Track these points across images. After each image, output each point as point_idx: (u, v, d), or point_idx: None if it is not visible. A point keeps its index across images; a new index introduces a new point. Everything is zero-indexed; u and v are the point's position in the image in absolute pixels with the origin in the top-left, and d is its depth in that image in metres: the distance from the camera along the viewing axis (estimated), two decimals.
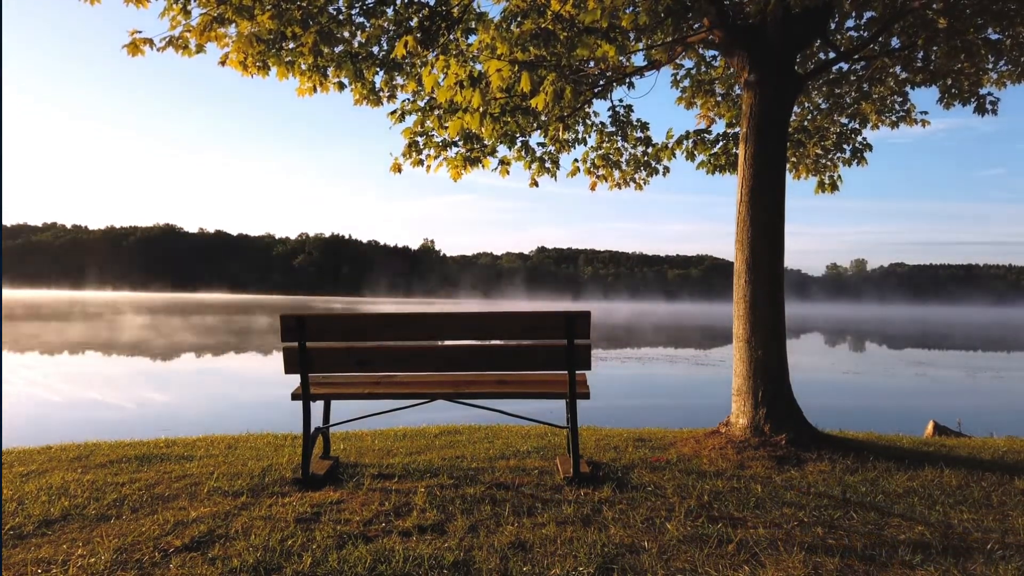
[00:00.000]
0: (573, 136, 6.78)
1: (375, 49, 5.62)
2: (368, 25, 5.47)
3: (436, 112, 5.99)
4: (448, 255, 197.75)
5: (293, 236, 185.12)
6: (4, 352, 18.45)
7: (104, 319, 39.74)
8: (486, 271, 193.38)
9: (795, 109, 6.45)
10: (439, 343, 3.97)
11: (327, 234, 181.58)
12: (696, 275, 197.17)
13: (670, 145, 6.97)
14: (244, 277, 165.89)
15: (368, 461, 4.36)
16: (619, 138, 7.01)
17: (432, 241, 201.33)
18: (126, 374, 15.69)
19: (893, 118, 6.61)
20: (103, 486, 3.71)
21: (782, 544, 2.89)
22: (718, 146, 6.82)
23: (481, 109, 5.34)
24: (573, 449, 3.94)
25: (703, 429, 5.28)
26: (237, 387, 14.13)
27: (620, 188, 7.35)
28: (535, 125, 6.34)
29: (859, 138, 6.76)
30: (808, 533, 3.02)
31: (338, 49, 5.43)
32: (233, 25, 4.91)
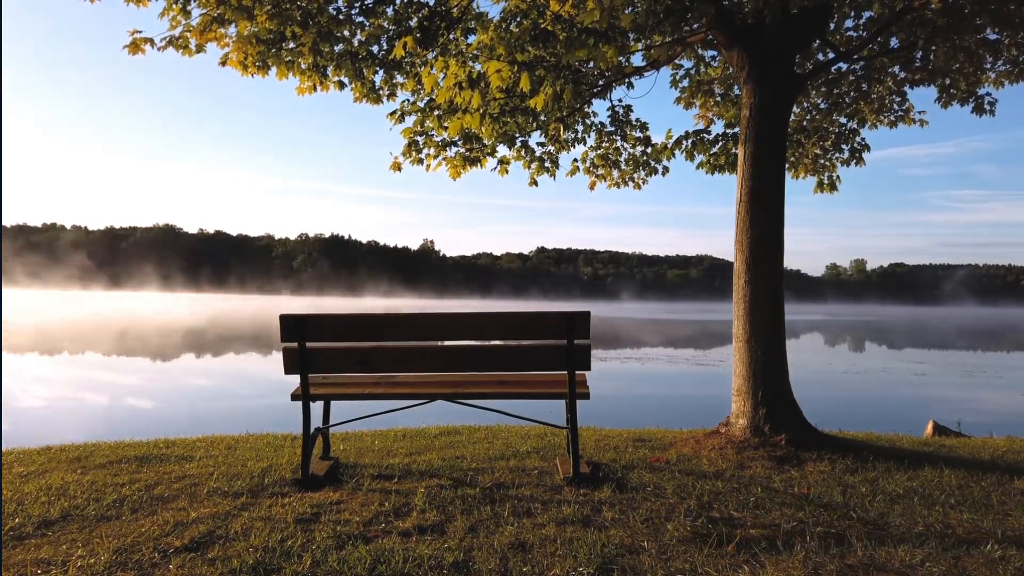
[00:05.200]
0: (572, 136, 6.79)
1: (375, 48, 5.63)
2: (368, 24, 5.47)
3: (436, 112, 5.99)
4: (447, 255, 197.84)
5: (293, 236, 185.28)
6: None
7: None
8: (486, 271, 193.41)
9: (794, 109, 6.45)
10: (439, 343, 3.97)
11: (327, 234, 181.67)
12: (696, 275, 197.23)
13: (669, 145, 6.97)
14: (244, 277, 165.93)
15: (368, 461, 4.36)
16: (618, 138, 7.01)
17: (432, 242, 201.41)
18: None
19: (891, 118, 6.61)
20: (103, 487, 3.71)
21: (782, 544, 2.89)
22: (717, 146, 6.83)
23: (481, 110, 5.34)
24: (573, 449, 3.94)
25: (703, 429, 5.28)
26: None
27: (619, 187, 7.36)
28: (534, 125, 6.34)
29: (858, 138, 6.77)
30: (808, 533, 3.02)
31: (338, 48, 5.44)
32: (233, 25, 4.92)
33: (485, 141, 6.25)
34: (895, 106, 6.53)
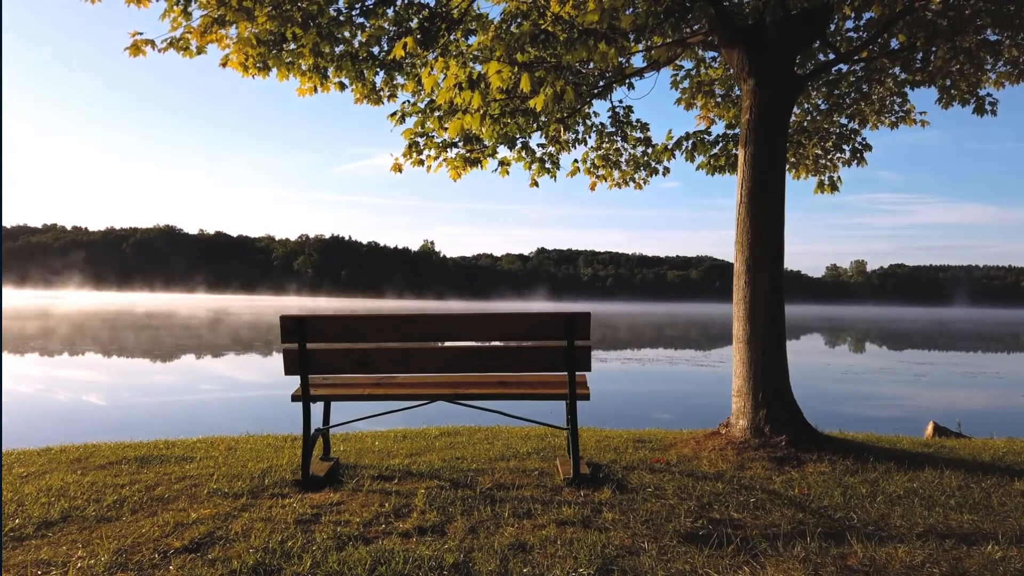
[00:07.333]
0: (573, 137, 6.79)
1: (375, 50, 5.63)
2: (368, 26, 5.47)
3: (436, 113, 6.00)
4: (448, 256, 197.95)
5: (293, 237, 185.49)
6: None
7: None
8: (486, 272, 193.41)
9: (795, 110, 6.45)
10: (439, 344, 3.97)
11: (327, 235, 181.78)
12: (696, 276, 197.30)
13: (670, 146, 6.97)
14: (244, 278, 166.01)
15: (368, 462, 4.36)
16: (619, 139, 7.01)
17: (432, 242, 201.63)
18: None
19: (892, 118, 6.61)
20: (103, 487, 3.71)
21: (782, 545, 2.88)
22: (718, 147, 6.82)
23: (481, 111, 5.34)
24: (573, 450, 3.94)
25: (703, 430, 5.28)
26: None
27: (620, 188, 7.36)
28: (535, 126, 6.34)
29: (858, 138, 6.77)
30: (808, 534, 3.01)
31: (338, 49, 5.44)
32: (234, 26, 4.92)
33: (486, 142, 6.25)
34: (896, 107, 6.53)
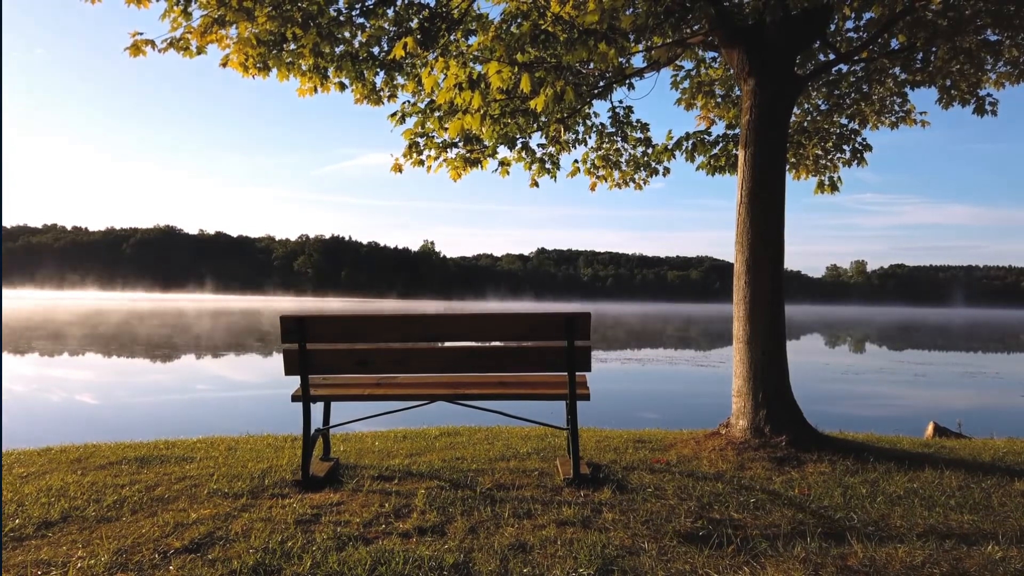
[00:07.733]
0: (573, 137, 6.79)
1: (375, 50, 5.63)
2: (368, 26, 5.47)
3: (436, 113, 6.00)
4: (448, 256, 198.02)
5: (293, 238, 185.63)
6: None
7: None
8: (486, 272, 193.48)
9: (795, 110, 6.45)
10: (439, 344, 3.97)
11: (327, 235, 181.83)
12: (696, 276, 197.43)
13: (670, 147, 6.97)
14: (245, 279, 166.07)
15: (368, 462, 4.36)
16: (619, 139, 7.01)
17: (432, 243, 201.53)
18: None
19: (892, 119, 6.61)
20: (103, 488, 3.71)
21: (782, 546, 2.88)
22: (718, 147, 6.82)
23: (482, 111, 5.33)
24: (573, 450, 3.94)
25: (703, 430, 5.28)
26: None
27: (620, 188, 7.36)
28: (535, 126, 6.34)
29: (859, 139, 6.76)
30: (808, 534, 3.01)
31: (339, 50, 5.44)
32: (234, 27, 4.92)
33: (486, 142, 6.25)
34: (896, 107, 6.53)
